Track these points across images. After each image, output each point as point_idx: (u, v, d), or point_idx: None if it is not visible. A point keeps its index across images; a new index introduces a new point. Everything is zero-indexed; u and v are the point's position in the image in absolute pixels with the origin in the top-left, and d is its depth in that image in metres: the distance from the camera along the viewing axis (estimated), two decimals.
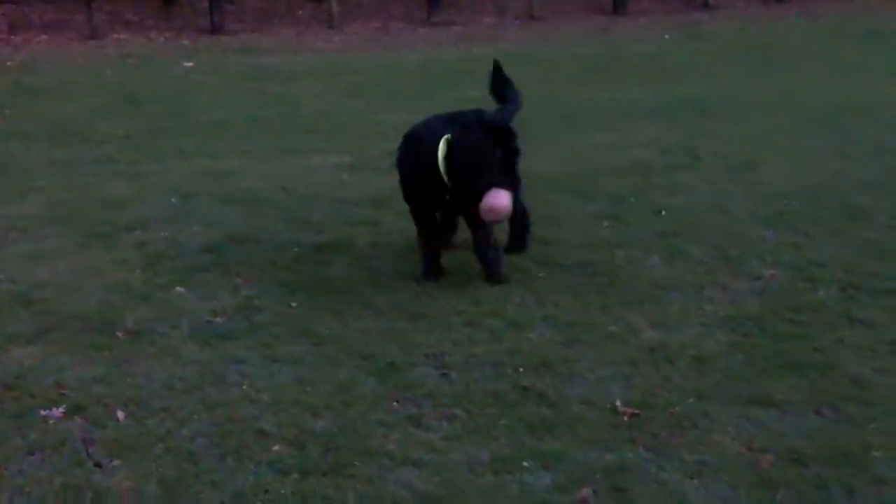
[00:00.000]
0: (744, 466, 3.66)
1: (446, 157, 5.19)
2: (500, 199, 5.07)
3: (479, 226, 5.35)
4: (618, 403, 4.10)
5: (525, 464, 3.69)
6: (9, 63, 13.39)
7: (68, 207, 7.18)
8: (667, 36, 16.03)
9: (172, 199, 7.28)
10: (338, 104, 11.21)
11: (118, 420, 4.10)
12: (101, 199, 7.37)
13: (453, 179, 5.20)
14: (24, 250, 6.25)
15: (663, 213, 6.50)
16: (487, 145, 5.21)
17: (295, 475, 3.66)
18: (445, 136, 5.23)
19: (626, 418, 4.00)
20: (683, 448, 3.78)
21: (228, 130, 9.81)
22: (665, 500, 3.49)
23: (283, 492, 3.57)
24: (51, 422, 4.10)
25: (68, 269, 5.89)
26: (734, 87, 11.66)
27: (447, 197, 5.32)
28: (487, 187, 5.07)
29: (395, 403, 4.17)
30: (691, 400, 4.11)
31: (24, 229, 6.66)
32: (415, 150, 5.40)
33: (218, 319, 5.09)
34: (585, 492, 3.52)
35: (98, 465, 3.76)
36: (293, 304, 5.21)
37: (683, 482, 3.58)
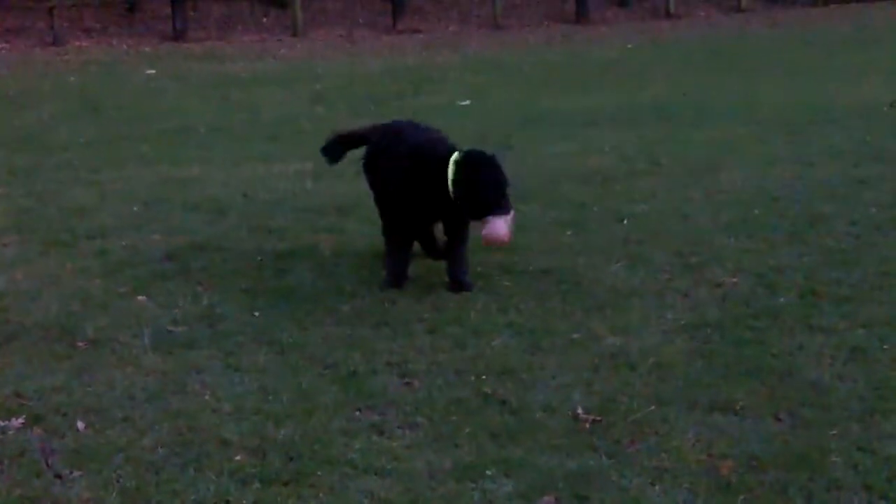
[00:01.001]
0: (704, 472, 3.67)
1: (456, 179, 5.16)
2: (499, 230, 5.10)
3: (463, 239, 5.40)
4: (579, 410, 4.11)
5: (487, 472, 3.69)
6: None
7: (28, 215, 7.14)
8: (629, 45, 16.12)
9: (134, 208, 7.25)
10: (301, 111, 11.20)
11: (78, 430, 4.07)
12: (62, 207, 7.33)
13: (463, 199, 5.18)
14: None
15: (625, 221, 6.53)
16: (499, 166, 5.20)
17: (256, 484, 3.64)
18: (454, 158, 5.21)
19: (587, 425, 4.01)
20: (644, 454, 3.80)
21: (190, 137, 9.79)
22: None
23: (244, 501, 3.55)
24: (9, 432, 4.06)
25: (28, 277, 5.85)
26: (695, 93, 11.77)
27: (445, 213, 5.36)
28: (497, 208, 5.07)
29: (357, 412, 4.16)
30: (652, 407, 4.13)
31: None
32: (419, 165, 5.35)
33: (179, 328, 5.06)
34: (547, 499, 3.52)
35: (58, 476, 3.72)
36: (256, 314, 5.20)
37: (644, 488, 3.59)
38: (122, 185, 7.93)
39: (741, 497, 3.53)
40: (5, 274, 5.89)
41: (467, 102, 10.88)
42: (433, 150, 5.35)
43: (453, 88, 11.40)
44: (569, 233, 6.35)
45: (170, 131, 10.10)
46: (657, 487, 3.60)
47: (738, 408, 4.13)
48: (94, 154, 9.13)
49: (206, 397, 4.32)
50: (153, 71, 13.47)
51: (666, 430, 3.96)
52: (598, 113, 10.39)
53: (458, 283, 5.40)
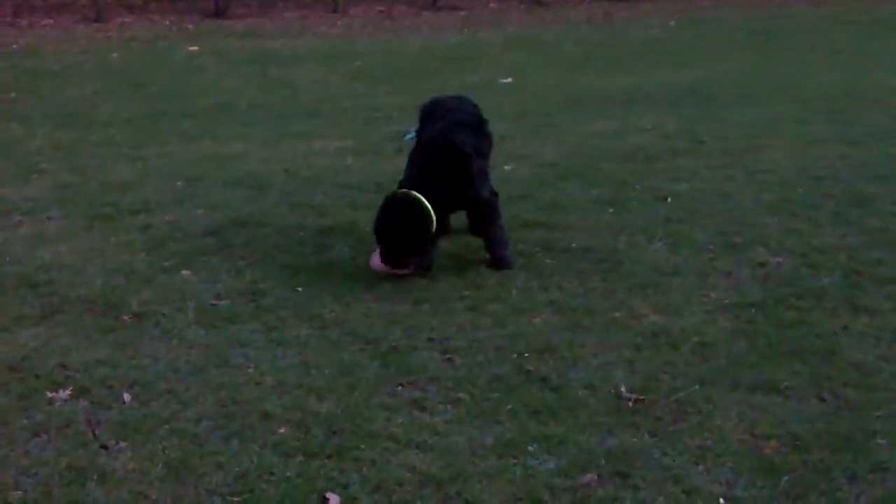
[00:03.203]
0: (747, 452, 3.66)
1: None
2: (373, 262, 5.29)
3: (493, 218, 5.46)
4: (622, 389, 4.10)
5: (529, 448, 3.70)
6: (14, 46, 13.38)
7: (72, 190, 7.19)
8: (672, 22, 15.98)
9: (177, 183, 7.29)
10: (340, 88, 11.21)
11: (124, 402, 4.11)
12: (105, 182, 7.38)
13: None
14: (28, 232, 6.27)
15: (668, 200, 6.49)
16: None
17: (299, 457, 3.67)
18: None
19: (629, 403, 4.01)
20: (686, 433, 3.79)
21: (231, 114, 9.83)
22: (669, 485, 3.49)
23: (287, 474, 3.58)
24: (56, 404, 4.11)
25: (72, 251, 5.90)
26: (737, 73, 11.66)
27: None
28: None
29: (398, 387, 4.18)
30: (695, 386, 4.12)
31: (27, 212, 6.67)
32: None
33: (223, 302, 5.10)
34: (589, 477, 3.53)
35: (104, 446, 3.77)
36: (298, 289, 5.22)
37: (687, 467, 3.59)
38: (164, 161, 7.98)
39: (784, 477, 3.52)
40: (50, 248, 5.94)
41: (509, 80, 10.85)
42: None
43: (494, 66, 11.37)
44: (610, 211, 6.33)
45: (211, 108, 10.13)
46: (700, 466, 3.59)
47: (781, 388, 4.12)
48: (136, 130, 9.18)
49: (249, 371, 4.36)
50: (195, 48, 13.52)
51: (709, 410, 3.95)
52: (638, 92, 10.32)
53: (498, 261, 5.40)
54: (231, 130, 9.10)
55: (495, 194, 5.54)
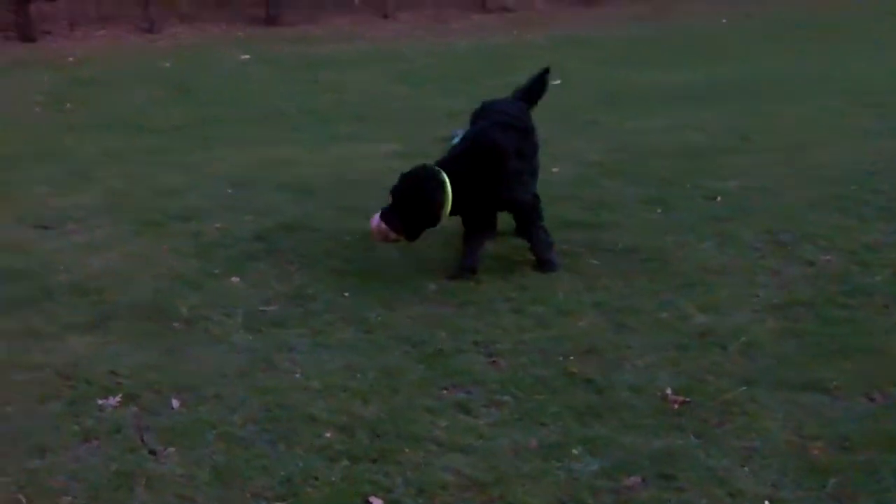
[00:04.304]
0: (793, 453, 3.63)
1: None
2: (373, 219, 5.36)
3: (528, 221, 5.47)
4: (668, 391, 4.08)
5: (573, 450, 3.69)
6: (70, 59, 13.56)
7: (122, 197, 7.28)
8: (724, 20, 15.82)
9: (228, 190, 7.34)
10: (388, 91, 11.24)
11: (172, 407, 4.16)
12: (155, 189, 7.46)
13: None
14: (79, 240, 6.35)
15: (718, 199, 6.43)
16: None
17: (344, 461, 3.69)
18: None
19: (674, 405, 3.98)
20: (732, 434, 3.76)
21: (280, 120, 9.89)
22: (714, 487, 3.47)
23: (332, 478, 3.60)
24: (106, 410, 4.17)
25: (122, 258, 5.98)
26: (785, 68, 11.52)
27: None
28: None
29: (443, 391, 4.19)
30: (742, 387, 4.08)
31: (79, 220, 6.76)
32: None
33: (270, 308, 5.14)
34: (633, 479, 3.51)
35: (152, 451, 3.82)
36: (345, 294, 5.25)
37: (733, 468, 3.56)
38: (213, 168, 8.04)
39: (832, 479, 3.48)
40: (100, 255, 6.02)
41: (557, 82, 10.83)
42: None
43: (542, 65, 11.33)
44: (657, 210, 6.29)
45: (260, 114, 10.20)
46: (746, 468, 3.56)
47: (829, 387, 4.07)
48: (186, 137, 9.26)
49: (296, 375, 4.39)
50: (247, 56, 13.62)
51: (755, 410, 3.92)
52: (687, 89, 10.23)
53: (542, 264, 5.39)
54: (280, 136, 9.16)
55: (537, 198, 5.52)
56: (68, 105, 10.82)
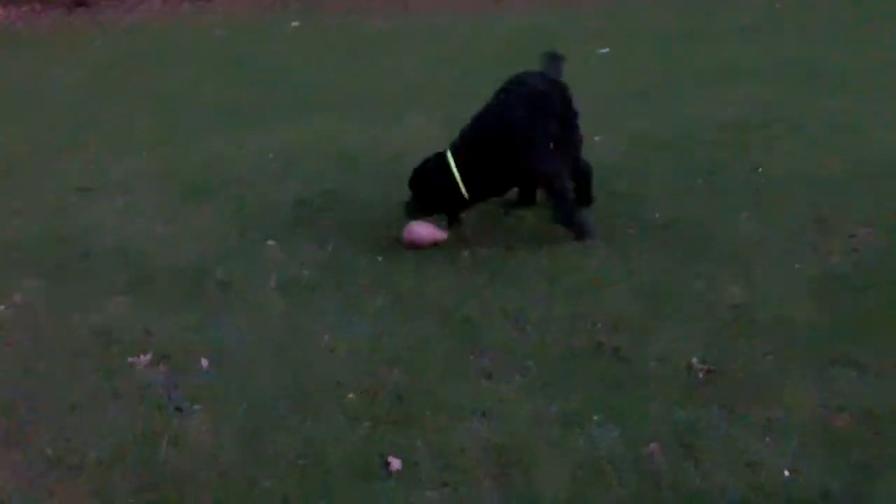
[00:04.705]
0: (817, 425, 3.59)
1: None
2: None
3: (554, 193, 5.43)
4: (694, 360, 4.05)
5: (594, 418, 3.68)
6: (121, 26, 13.70)
7: (169, 166, 7.36)
8: (778, 5, 15.58)
9: (271, 156, 7.39)
10: (438, 66, 11.22)
11: (202, 367, 4.21)
12: (201, 159, 7.53)
13: None
14: (125, 207, 6.45)
15: (759, 170, 6.35)
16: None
17: (366, 424, 3.72)
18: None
19: (701, 375, 3.96)
20: (757, 406, 3.73)
21: (329, 92, 9.91)
22: (732, 457, 3.45)
23: (353, 439, 3.63)
24: (137, 368, 4.24)
25: (166, 224, 6.06)
26: (842, 50, 11.29)
27: None
28: None
29: (469, 357, 4.19)
30: (770, 358, 4.04)
31: (124, 186, 6.87)
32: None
33: (305, 273, 5.18)
34: (652, 447, 3.50)
35: (178, 408, 3.87)
36: (379, 258, 5.26)
37: (753, 440, 3.53)
38: (260, 139, 8.09)
39: (854, 452, 3.44)
40: (144, 221, 6.11)
41: (606, 50, 10.74)
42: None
43: (592, 39, 11.25)
44: (699, 182, 6.21)
45: (310, 85, 10.23)
46: (766, 439, 3.53)
47: (860, 363, 4.00)
48: (235, 108, 9.32)
49: (325, 339, 4.42)
50: (297, 23, 13.66)
51: (781, 383, 3.88)
52: (738, 67, 10.05)
53: (571, 229, 5.36)
54: (328, 108, 9.18)
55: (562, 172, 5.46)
56: (119, 73, 10.94)
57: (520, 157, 5.28)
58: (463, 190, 5.35)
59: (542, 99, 5.44)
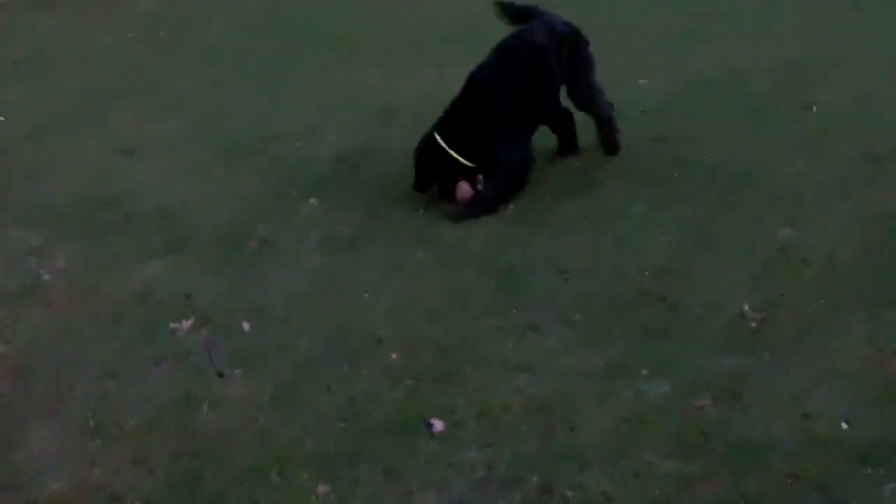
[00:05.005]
0: (872, 372, 3.46)
1: None
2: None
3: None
4: (745, 307, 3.92)
5: (642, 371, 3.58)
6: None
7: (210, 124, 7.29)
8: None
9: (310, 113, 7.30)
10: (482, 12, 11.01)
11: (243, 330, 4.16)
12: (242, 116, 7.44)
13: None
14: (165, 167, 6.39)
15: (814, 108, 6.14)
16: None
17: (408, 381, 3.66)
18: None
19: (752, 323, 3.83)
20: (809, 353, 3.61)
21: (369, 43, 9.76)
22: (787, 408, 3.33)
23: (395, 397, 3.57)
24: (178, 333, 4.20)
25: (205, 183, 6.00)
26: None
27: None
28: None
29: (512, 310, 4.10)
30: (822, 302, 3.90)
31: (166, 147, 6.80)
32: None
33: (345, 228, 5.10)
34: (702, 401, 3.39)
35: (220, 374, 3.83)
36: (420, 212, 5.17)
37: (808, 389, 3.42)
38: (299, 92, 7.99)
39: None
40: (184, 181, 6.06)
41: None
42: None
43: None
44: (749, 122, 6.02)
45: (349, 37, 10.07)
46: (822, 388, 3.41)
47: None
48: (275, 63, 9.20)
49: (365, 296, 4.35)
50: None
51: (834, 328, 3.75)
52: (792, 2, 9.77)
53: (469, 211, 5.15)
54: (368, 59, 9.04)
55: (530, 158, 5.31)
56: (162, 33, 10.87)
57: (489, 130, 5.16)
58: (463, 160, 5.20)
59: (533, 57, 5.27)
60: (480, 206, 5.12)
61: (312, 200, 5.53)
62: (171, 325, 4.26)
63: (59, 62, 9.72)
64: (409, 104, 7.31)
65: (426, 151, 5.29)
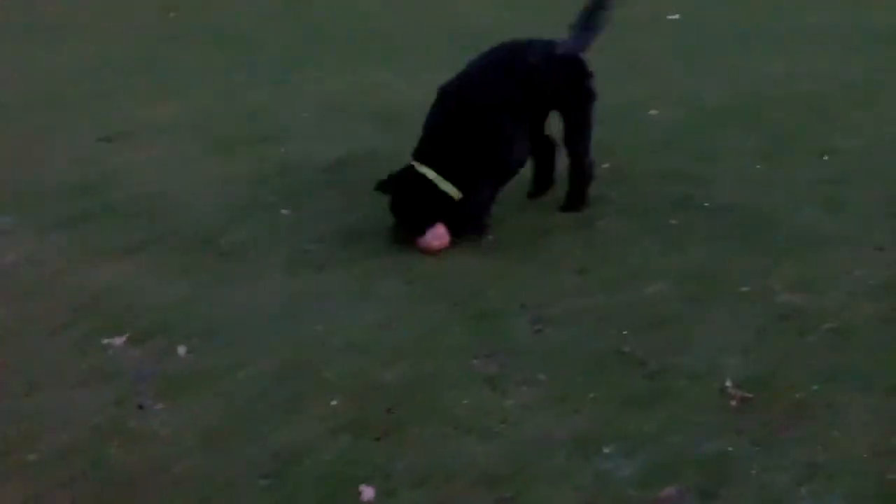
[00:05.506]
0: (868, 474, 3.06)
1: None
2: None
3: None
4: (728, 384, 3.52)
5: (605, 449, 3.19)
6: None
7: (202, 115, 6.97)
8: None
9: (306, 114, 6.96)
10: (500, 17, 10.65)
11: (178, 355, 3.80)
12: (238, 109, 7.13)
13: None
14: (147, 157, 6.10)
15: (825, 157, 5.72)
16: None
17: (346, 437, 3.28)
18: None
19: (734, 402, 3.43)
20: (797, 444, 3.20)
21: (385, 42, 9.42)
22: None
23: (327, 457, 3.19)
24: (110, 352, 3.85)
25: (184, 180, 5.68)
26: None
27: None
28: None
29: (474, 360, 3.71)
30: (816, 387, 3.50)
31: (153, 135, 6.50)
32: None
33: (315, 248, 4.74)
34: (668, 491, 3.00)
35: (140, 406, 3.46)
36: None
37: (789, 487, 3.02)
38: (305, 90, 7.65)
39: None
40: (163, 175, 5.75)
41: (676, 16, 10.06)
42: None
43: (662, 1, 10.59)
44: (760, 166, 5.62)
45: (366, 35, 9.74)
46: (804, 488, 3.01)
47: None
48: (288, 56, 8.88)
49: (320, 328, 3.98)
50: None
51: (829, 416, 3.34)
52: (821, 32, 9.32)
53: (464, 224, 4.74)
54: (381, 59, 8.70)
55: (519, 163, 4.89)
56: (172, 14, 10.55)
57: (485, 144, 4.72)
58: (452, 191, 4.72)
59: (531, 72, 4.88)
60: (478, 210, 4.75)
61: (285, 211, 5.19)
62: (105, 340, 3.90)
63: (61, 36, 9.43)
64: (414, 110, 6.92)
65: (407, 185, 4.77)
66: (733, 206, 5.05)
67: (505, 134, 4.74)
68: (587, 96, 4.92)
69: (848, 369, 3.61)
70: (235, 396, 3.51)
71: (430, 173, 4.73)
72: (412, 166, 4.76)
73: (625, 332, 3.87)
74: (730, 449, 3.18)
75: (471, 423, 3.33)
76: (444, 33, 9.53)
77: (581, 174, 4.99)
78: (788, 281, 4.28)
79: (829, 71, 7.75)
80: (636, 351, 3.74)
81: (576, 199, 5.01)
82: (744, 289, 4.22)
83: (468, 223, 4.72)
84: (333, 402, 3.46)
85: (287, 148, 6.17)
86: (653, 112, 6.36)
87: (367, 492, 3.01)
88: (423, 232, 4.66)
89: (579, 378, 3.58)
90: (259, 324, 4.02)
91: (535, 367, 3.65)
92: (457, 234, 4.67)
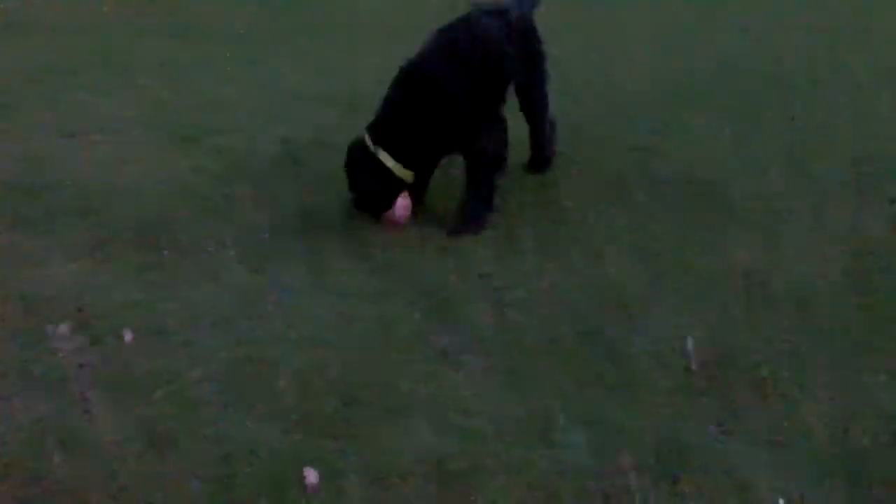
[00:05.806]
0: (832, 449, 2.98)
1: None
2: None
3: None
4: (692, 362, 3.43)
5: (560, 427, 3.10)
6: None
7: (163, 108, 6.83)
8: None
9: (272, 102, 6.84)
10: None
11: (131, 357, 3.69)
12: (199, 100, 6.99)
13: None
14: (103, 152, 5.95)
15: (794, 118, 5.61)
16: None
17: (297, 436, 3.17)
18: None
19: (698, 380, 3.34)
20: (761, 422, 3.12)
21: (351, 30, 9.29)
22: (722, 485, 2.85)
23: (278, 456, 3.09)
24: (59, 355, 3.73)
25: (140, 174, 5.55)
26: None
27: None
28: None
29: (432, 350, 3.62)
30: (782, 355, 3.41)
31: (112, 131, 6.35)
32: None
33: (273, 238, 4.64)
34: (624, 463, 2.90)
35: (87, 410, 3.35)
36: (355, 223, 4.70)
37: (752, 464, 2.93)
38: (266, 79, 7.53)
39: (877, 488, 2.82)
40: (119, 170, 5.61)
41: None
42: None
43: None
44: (727, 133, 5.51)
45: (332, 23, 9.61)
46: (768, 468, 2.92)
47: (890, 362, 3.37)
48: (248, 46, 8.74)
49: (277, 323, 3.87)
50: None
51: (794, 393, 3.26)
52: (785, 7, 9.21)
53: (456, 228, 4.64)
54: (344, 47, 8.58)
55: (503, 143, 4.79)
56: (136, 7, 10.40)
57: (455, 127, 4.63)
58: (400, 171, 4.66)
59: (486, 54, 4.76)
60: (478, 210, 4.63)
61: (247, 203, 5.07)
62: (53, 344, 3.78)
63: (16, 32, 9.26)
64: (374, 96, 6.83)
65: (355, 160, 4.75)
66: (696, 179, 5.02)
67: (469, 116, 4.63)
68: (536, 53, 4.97)
69: (814, 344, 3.53)
70: (186, 398, 3.41)
71: (389, 160, 4.62)
72: (367, 147, 4.66)
73: (587, 314, 3.78)
74: (692, 424, 3.10)
75: (427, 415, 3.23)
76: (415, 17, 9.40)
77: (550, 138, 5.06)
78: (751, 252, 4.21)
79: (794, 45, 7.62)
80: (599, 332, 3.65)
81: (546, 160, 5.08)
82: (708, 262, 4.14)
83: (468, 224, 4.63)
84: (287, 400, 3.36)
85: (246, 139, 6.05)
86: (619, 84, 6.27)
87: (311, 475, 2.91)
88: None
89: (540, 363, 3.48)
90: (216, 320, 3.91)
91: (496, 353, 3.55)
92: (455, 233, 4.57)
